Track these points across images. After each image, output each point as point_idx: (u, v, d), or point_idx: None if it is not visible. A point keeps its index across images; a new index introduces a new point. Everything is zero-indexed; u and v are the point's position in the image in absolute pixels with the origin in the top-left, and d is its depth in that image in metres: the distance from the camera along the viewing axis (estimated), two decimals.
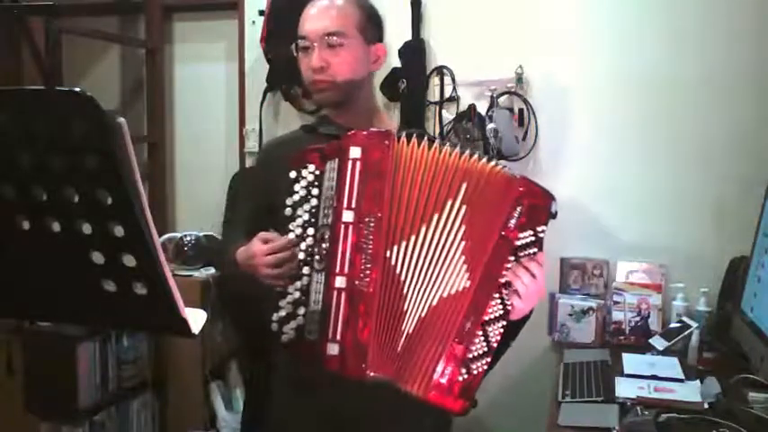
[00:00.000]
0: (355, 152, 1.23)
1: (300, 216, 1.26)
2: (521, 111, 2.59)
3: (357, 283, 1.21)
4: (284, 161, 1.30)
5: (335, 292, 1.22)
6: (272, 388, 1.55)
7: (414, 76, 2.66)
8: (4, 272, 0.83)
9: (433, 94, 2.68)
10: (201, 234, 2.77)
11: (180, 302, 0.81)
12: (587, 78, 2.55)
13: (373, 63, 1.44)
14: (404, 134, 1.26)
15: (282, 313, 1.25)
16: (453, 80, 2.65)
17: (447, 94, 2.66)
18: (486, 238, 1.23)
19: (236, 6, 2.90)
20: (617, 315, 2.41)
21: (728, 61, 2.40)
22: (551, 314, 2.57)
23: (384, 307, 1.23)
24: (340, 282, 1.22)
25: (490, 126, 2.52)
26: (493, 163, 1.25)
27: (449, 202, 1.23)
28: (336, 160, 1.24)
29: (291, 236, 1.26)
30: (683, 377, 1.98)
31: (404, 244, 1.23)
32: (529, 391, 2.59)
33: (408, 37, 2.68)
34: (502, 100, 2.59)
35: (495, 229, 1.22)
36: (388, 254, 1.22)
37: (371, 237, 1.22)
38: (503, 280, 1.23)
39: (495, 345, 1.23)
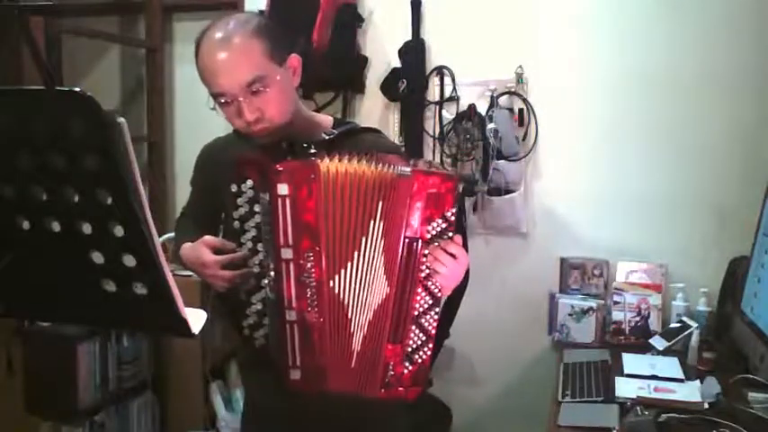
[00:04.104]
0: (283, 189, 1.24)
1: (248, 231, 1.30)
2: (521, 111, 2.59)
3: (307, 314, 1.28)
4: (221, 165, 1.34)
5: (288, 325, 1.29)
6: (246, 388, 1.61)
7: (414, 76, 2.66)
8: (4, 272, 0.83)
9: (433, 94, 2.68)
10: None
11: (180, 302, 0.81)
12: (587, 78, 2.55)
13: (294, 77, 1.37)
14: (327, 160, 1.25)
15: (251, 321, 1.33)
16: (453, 80, 2.65)
17: (447, 94, 2.66)
18: (395, 244, 1.27)
19: (236, 6, 2.90)
20: (617, 315, 2.41)
21: (729, 61, 2.40)
22: (551, 314, 2.57)
23: (334, 332, 1.30)
24: (290, 315, 1.28)
25: (490, 126, 2.52)
26: (392, 169, 1.25)
27: (371, 224, 1.26)
28: (267, 195, 1.25)
29: (245, 249, 1.30)
30: (683, 377, 1.98)
31: (342, 272, 1.27)
32: (529, 391, 2.59)
33: (408, 37, 2.68)
34: (502, 100, 2.59)
35: (399, 233, 1.26)
36: (331, 284, 1.28)
37: (313, 270, 1.26)
38: (423, 274, 1.27)
39: (433, 330, 1.30)
